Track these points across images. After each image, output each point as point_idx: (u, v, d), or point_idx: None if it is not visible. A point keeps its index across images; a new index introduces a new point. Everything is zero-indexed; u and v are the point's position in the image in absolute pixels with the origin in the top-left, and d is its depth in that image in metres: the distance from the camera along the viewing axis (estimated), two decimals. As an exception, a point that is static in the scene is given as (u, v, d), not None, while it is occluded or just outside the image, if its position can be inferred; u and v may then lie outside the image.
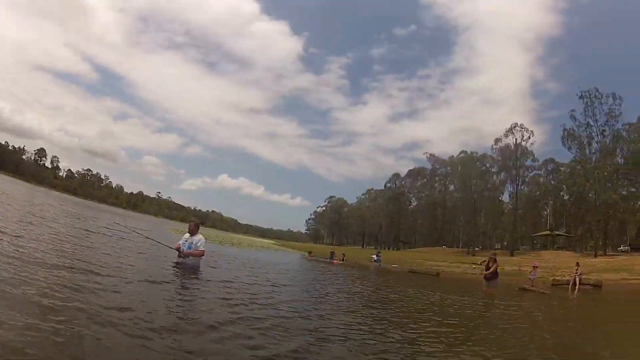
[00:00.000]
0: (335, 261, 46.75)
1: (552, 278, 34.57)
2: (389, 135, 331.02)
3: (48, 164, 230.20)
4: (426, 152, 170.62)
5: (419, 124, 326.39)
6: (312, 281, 19.24)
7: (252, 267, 21.31)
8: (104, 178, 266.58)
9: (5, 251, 8.44)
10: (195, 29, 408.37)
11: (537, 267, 31.25)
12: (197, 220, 14.64)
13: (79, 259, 9.96)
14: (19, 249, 9.29)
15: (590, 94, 73.53)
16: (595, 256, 63.39)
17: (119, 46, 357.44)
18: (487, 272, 21.59)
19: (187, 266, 13.19)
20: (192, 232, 13.70)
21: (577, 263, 32.91)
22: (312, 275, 23.81)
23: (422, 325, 9.13)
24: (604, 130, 73.10)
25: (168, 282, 9.98)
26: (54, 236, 14.04)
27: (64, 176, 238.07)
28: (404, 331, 8.18)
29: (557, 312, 16.28)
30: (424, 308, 12.52)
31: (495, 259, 22.29)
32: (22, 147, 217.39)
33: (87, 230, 20.52)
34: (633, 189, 78.21)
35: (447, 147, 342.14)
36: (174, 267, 12.91)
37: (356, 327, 8.00)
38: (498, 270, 22.34)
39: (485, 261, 22.68)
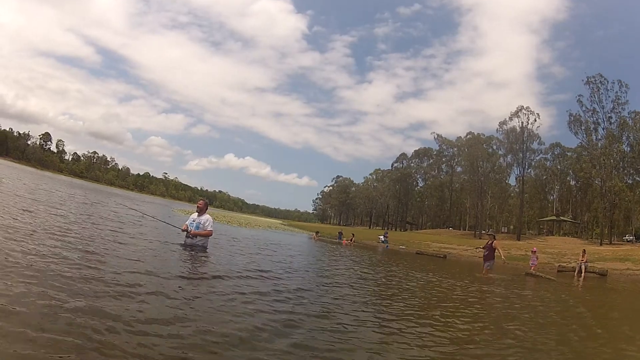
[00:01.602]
0: (344, 241, 47.04)
1: (558, 264, 34.88)
2: (395, 114, 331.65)
3: (53, 148, 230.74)
4: (433, 132, 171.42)
5: (425, 103, 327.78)
6: (322, 263, 19.24)
7: (260, 247, 21.53)
8: (110, 160, 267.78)
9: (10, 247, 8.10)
10: (198, 8, 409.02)
11: (535, 251, 31.48)
12: (205, 199, 14.68)
13: (88, 249, 9.84)
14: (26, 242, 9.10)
15: (596, 80, 73.55)
16: (601, 244, 63.89)
17: (121, 28, 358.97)
18: (484, 249, 22.51)
19: (196, 247, 13.36)
20: (201, 211, 13.70)
21: (584, 250, 33.04)
22: (322, 257, 23.75)
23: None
24: (611, 117, 73.36)
25: (178, 268, 9.93)
26: (62, 223, 14.11)
27: (70, 160, 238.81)
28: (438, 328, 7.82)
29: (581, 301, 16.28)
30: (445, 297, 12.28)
31: (494, 236, 23.13)
32: (27, 132, 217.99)
33: (94, 216, 20.35)
34: (639, 178, 78.48)
35: (453, 127, 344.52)
36: (182, 248, 13.13)
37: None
38: (500, 250, 22.91)
39: (485, 245, 23.13)
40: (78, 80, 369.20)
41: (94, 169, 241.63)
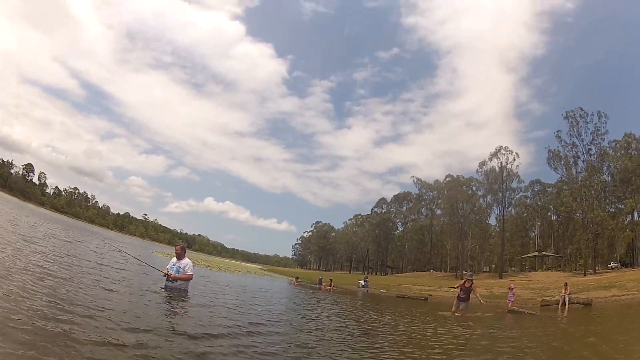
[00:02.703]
0: (324, 286, 46.66)
1: (541, 299, 34.37)
2: (374, 159, 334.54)
3: (35, 179, 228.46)
4: (413, 176, 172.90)
5: (403, 148, 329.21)
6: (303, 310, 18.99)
7: (241, 294, 21.55)
8: (90, 197, 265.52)
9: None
10: (182, 49, 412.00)
11: (513, 288, 31.04)
12: (183, 243, 14.80)
13: (63, 293, 9.08)
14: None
15: (575, 114, 74.81)
16: (585, 275, 63.95)
17: (107, 63, 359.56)
18: (461, 293, 22.30)
19: (176, 290, 13.45)
20: (179, 256, 13.89)
21: (566, 284, 32.63)
22: (304, 303, 23.32)
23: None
24: (590, 149, 74.48)
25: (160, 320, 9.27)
26: (41, 261, 13.53)
27: (52, 193, 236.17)
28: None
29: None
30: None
31: (472, 281, 22.87)
32: (10, 161, 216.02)
33: (76, 256, 19.57)
34: (621, 206, 79.61)
35: (432, 170, 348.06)
36: (163, 291, 13.20)
37: None
38: (477, 294, 23.53)
39: (461, 284, 23.13)
40: (62, 112, 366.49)
41: (74, 205, 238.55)
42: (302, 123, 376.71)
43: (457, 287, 23.32)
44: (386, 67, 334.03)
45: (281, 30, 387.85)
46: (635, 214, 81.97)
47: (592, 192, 73.69)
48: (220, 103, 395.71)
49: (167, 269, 13.88)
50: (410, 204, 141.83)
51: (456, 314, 21.44)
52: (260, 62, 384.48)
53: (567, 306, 29.36)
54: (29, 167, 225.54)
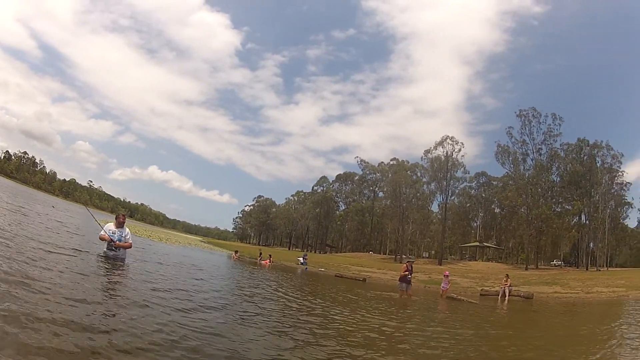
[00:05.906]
0: (265, 262, 46.15)
1: (481, 288, 34.52)
2: (319, 137, 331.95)
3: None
4: (357, 157, 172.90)
5: (350, 128, 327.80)
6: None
7: (181, 266, 20.60)
8: (39, 162, 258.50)
9: None
10: (141, 13, 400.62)
11: (447, 275, 30.92)
12: (125, 212, 14.58)
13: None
14: None
15: (528, 113, 76.12)
16: (527, 269, 65.71)
17: (67, 24, 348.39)
18: (405, 274, 23.53)
19: (118, 258, 13.74)
20: (121, 225, 13.92)
21: (507, 275, 32.75)
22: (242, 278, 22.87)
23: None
24: (541, 149, 76.47)
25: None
26: None
27: (2, 158, 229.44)
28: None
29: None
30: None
31: (412, 264, 24.81)
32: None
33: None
34: (568, 207, 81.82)
35: (377, 152, 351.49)
36: (105, 260, 13.29)
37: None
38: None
39: (405, 267, 24.27)
40: (20, 73, 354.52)
41: (23, 170, 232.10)
42: (251, 95, 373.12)
43: (405, 271, 23.84)
44: (340, 47, 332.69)
45: (240, 1, 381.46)
46: (583, 216, 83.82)
47: (539, 189, 75.74)
48: (171, 70, 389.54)
49: (107, 235, 13.55)
50: (353, 185, 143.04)
51: (403, 296, 22.35)
52: (216, 32, 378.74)
53: (507, 297, 29.50)
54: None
